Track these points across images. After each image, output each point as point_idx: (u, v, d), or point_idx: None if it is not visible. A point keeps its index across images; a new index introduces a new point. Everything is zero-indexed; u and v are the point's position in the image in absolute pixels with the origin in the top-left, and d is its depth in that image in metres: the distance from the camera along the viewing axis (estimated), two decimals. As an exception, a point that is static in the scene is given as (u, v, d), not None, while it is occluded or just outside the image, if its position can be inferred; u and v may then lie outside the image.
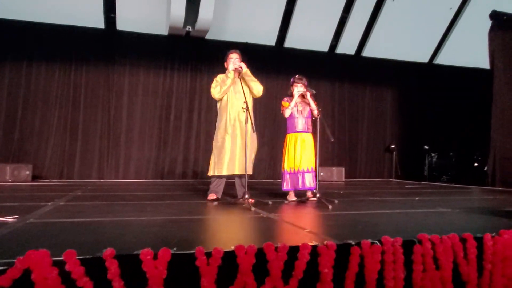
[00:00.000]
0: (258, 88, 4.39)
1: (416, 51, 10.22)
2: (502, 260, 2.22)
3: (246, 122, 4.01)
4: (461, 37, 9.85)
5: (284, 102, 4.62)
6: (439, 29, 9.94)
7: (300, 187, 4.44)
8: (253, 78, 4.38)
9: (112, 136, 8.73)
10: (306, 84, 4.62)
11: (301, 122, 4.55)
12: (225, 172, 4.22)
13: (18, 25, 8.05)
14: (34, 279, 1.55)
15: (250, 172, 4.25)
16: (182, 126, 9.16)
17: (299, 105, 4.59)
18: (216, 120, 4.53)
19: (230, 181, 4.59)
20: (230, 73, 4.30)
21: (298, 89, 4.55)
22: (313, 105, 4.51)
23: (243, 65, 4.32)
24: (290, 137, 4.59)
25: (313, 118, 4.54)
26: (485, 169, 8.27)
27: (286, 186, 4.52)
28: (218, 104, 4.47)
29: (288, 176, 4.51)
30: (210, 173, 4.38)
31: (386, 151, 10.62)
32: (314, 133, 4.55)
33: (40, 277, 1.55)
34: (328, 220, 3.18)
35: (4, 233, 2.33)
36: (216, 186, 4.37)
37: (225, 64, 4.46)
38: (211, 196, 4.31)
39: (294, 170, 4.47)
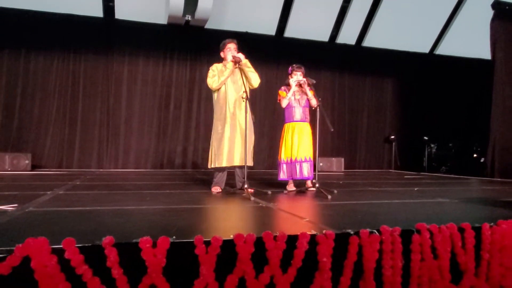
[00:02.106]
0: (256, 79, 4.33)
1: (417, 42, 10.15)
2: (499, 249, 2.23)
3: (246, 111, 3.99)
4: (462, 27, 9.78)
5: (281, 92, 4.58)
6: (440, 19, 9.86)
7: (297, 177, 4.43)
8: (251, 69, 4.32)
9: (111, 125, 8.72)
10: (304, 72, 4.58)
11: (298, 112, 4.52)
12: (224, 163, 4.18)
13: (16, 13, 7.97)
14: (34, 267, 1.55)
15: (250, 163, 4.25)
16: (181, 116, 9.14)
17: (297, 94, 4.54)
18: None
19: (230, 171, 4.59)
20: (229, 64, 4.25)
21: (297, 77, 4.52)
22: (310, 95, 4.48)
23: (242, 56, 4.25)
24: (287, 126, 4.56)
25: (312, 108, 4.51)
26: (482, 160, 8.28)
27: (282, 175, 4.50)
28: (215, 95, 4.39)
29: (285, 165, 4.49)
30: (210, 165, 4.33)
31: (386, 142, 10.62)
32: (312, 122, 4.53)
33: (40, 265, 1.56)
34: (327, 209, 3.19)
35: (3, 221, 2.33)
36: (219, 179, 4.34)
37: (221, 53, 4.39)
38: (215, 189, 4.28)
39: (291, 159, 4.45)
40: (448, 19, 9.83)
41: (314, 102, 4.44)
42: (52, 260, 1.58)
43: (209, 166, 4.37)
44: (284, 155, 4.50)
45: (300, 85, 4.52)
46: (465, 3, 9.45)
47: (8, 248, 1.58)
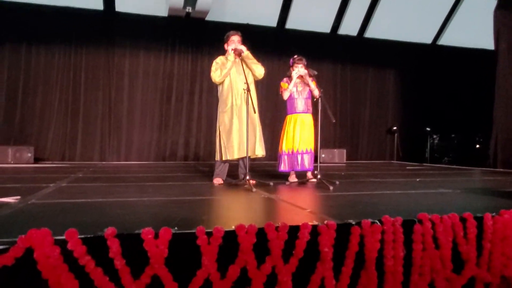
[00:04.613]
0: (259, 71, 4.31)
1: (420, 32, 10.08)
2: (501, 239, 2.23)
3: (247, 103, 3.98)
4: (465, 17, 9.71)
5: (283, 83, 4.57)
6: (443, 9, 9.79)
7: (298, 168, 4.43)
8: (254, 60, 4.29)
9: (113, 118, 8.73)
10: (306, 64, 4.56)
11: (300, 103, 4.51)
12: (236, 155, 4.15)
13: (16, 7, 7.94)
14: (37, 258, 1.56)
15: (264, 153, 4.30)
16: (183, 109, 9.13)
17: (299, 85, 4.54)
18: (217, 103, 4.47)
19: (232, 163, 4.58)
20: (230, 56, 4.21)
21: (298, 69, 4.50)
22: (312, 86, 4.47)
23: (244, 48, 4.22)
24: (289, 118, 4.56)
25: (314, 99, 4.51)
26: (489, 151, 8.25)
27: (283, 167, 4.49)
28: (220, 87, 4.37)
29: (286, 157, 4.49)
30: (220, 157, 4.25)
31: (388, 133, 10.60)
32: (313, 114, 4.52)
33: (43, 256, 1.57)
34: (329, 200, 3.19)
35: (6, 213, 2.34)
36: (221, 170, 4.34)
37: (225, 45, 4.35)
38: (217, 180, 4.27)
39: (292, 151, 4.45)
40: (451, 9, 9.75)
41: (316, 92, 4.43)
42: (55, 251, 1.59)
43: (217, 159, 4.31)
44: (285, 146, 4.50)
45: (301, 77, 4.50)
46: (468, -8, 9.37)
47: (11, 239, 1.59)
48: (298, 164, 4.41)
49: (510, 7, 7.65)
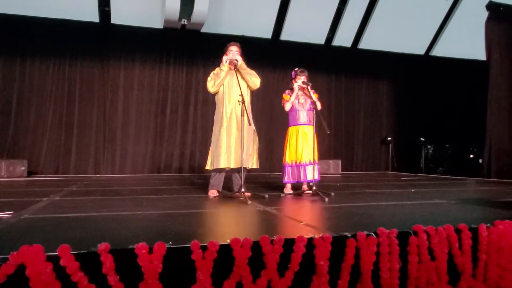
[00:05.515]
0: (254, 81, 4.34)
1: (413, 43, 10.19)
2: (496, 250, 2.23)
3: (242, 115, 3.99)
4: (457, 29, 9.83)
5: (285, 95, 4.61)
6: (435, 21, 9.91)
7: (302, 180, 4.43)
8: (249, 70, 4.32)
9: (108, 130, 8.69)
10: (308, 76, 4.59)
11: (302, 115, 4.54)
12: (222, 165, 4.17)
13: (11, 19, 7.94)
14: (29, 275, 1.54)
15: (256, 165, 4.33)
16: (178, 121, 9.12)
17: (301, 98, 4.57)
18: (213, 114, 4.50)
19: (228, 174, 4.57)
20: (224, 66, 4.25)
21: (301, 82, 4.53)
22: (314, 98, 4.49)
23: (239, 58, 4.26)
24: (292, 130, 4.57)
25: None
26: (480, 161, 8.30)
27: (288, 178, 4.51)
28: (216, 97, 4.43)
29: (289, 168, 4.50)
30: (208, 167, 4.35)
31: (383, 144, 10.63)
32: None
33: (35, 273, 1.55)
34: (324, 212, 3.19)
35: (-2, 228, 2.31)
36: (216, 181, 4.34)
37: (224, 56, 4.39)
38: (212, 192, 4.27)
39: (295, 162, 4.46)
40: (443, 20, 9.87)
41: (318, 105, 4.44)
42: (47, 267, 1.57)
43: (206, 168, 4.40)
44: (288, 158, 4.52)
45: (303, 89, 4.53)
46: (460, 4, 9.49)
47: (3, 256, 1.57)
48: (301, 176, 4.41)
49: (501, 19, 7.77)
